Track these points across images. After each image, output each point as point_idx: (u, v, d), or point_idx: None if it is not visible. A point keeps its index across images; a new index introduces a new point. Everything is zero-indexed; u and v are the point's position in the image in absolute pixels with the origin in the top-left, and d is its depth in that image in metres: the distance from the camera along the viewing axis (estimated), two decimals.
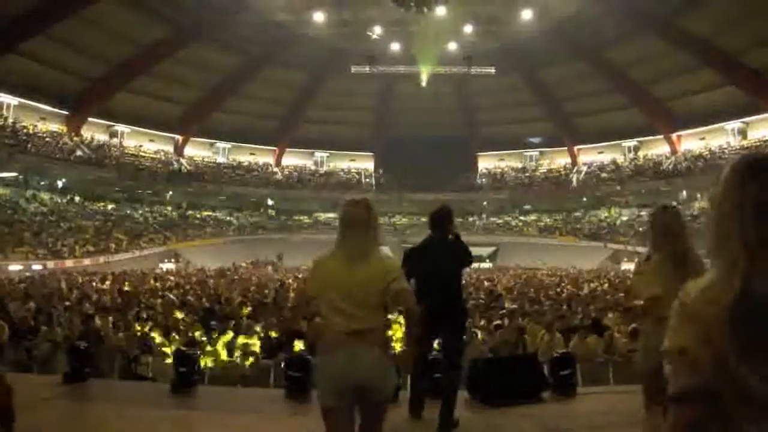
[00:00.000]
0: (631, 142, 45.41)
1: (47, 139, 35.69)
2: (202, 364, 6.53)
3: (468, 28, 37.79)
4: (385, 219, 44.50)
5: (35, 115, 36.10)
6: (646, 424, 2.83)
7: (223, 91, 42.39)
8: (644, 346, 2.95)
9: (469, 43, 39.05)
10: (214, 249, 38.49)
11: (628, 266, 29.47)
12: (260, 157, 49.24)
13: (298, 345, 6.73)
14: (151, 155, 43.12)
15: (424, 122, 46.10)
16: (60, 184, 38.10)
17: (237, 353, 6.99)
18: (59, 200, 37.61)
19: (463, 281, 5.38)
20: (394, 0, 31.78)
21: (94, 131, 39.96)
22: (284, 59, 41.10)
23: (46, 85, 34.86)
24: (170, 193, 43.55)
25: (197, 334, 7.68)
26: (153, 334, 7.52)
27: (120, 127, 41.77)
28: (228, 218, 46.29)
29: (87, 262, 30.37)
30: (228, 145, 48.24)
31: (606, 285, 17.00)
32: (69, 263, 29.15)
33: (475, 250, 4.84)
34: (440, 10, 34.26)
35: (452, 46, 39.61)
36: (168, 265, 33.41)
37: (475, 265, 28.16)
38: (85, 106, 37.75)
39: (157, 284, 17.36)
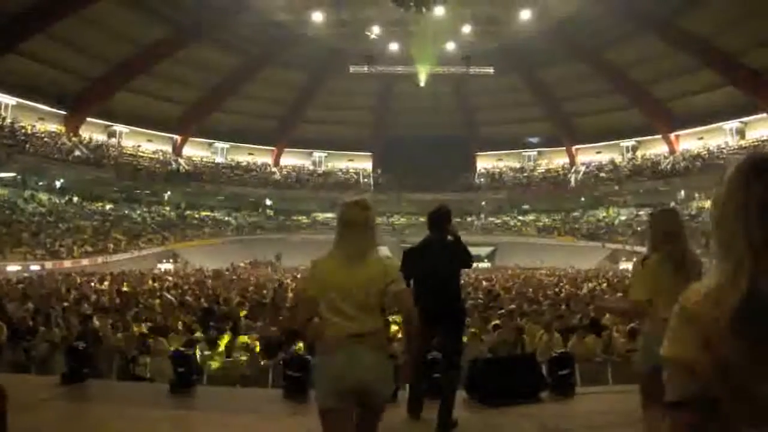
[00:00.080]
0: (629, 142, 45.48)
1: (45, 139, 35.65)
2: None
3: (467, 28, 37.77)
4: (383, 219, 44.53)
5: (33, 115, 36.06)
6: (644, 424, 2.83)
7: (222, 91, 42.37)
8: (644, 347, 2.97)
9: (467, 43, 39.04)
10: (212, 249, 38.49)
11: (627, 266, 29.53)
12: (258, 157, 49.24)
13: (300, 346, 6.73)
14: (149, 155, 43.10)
15: (423, 122, 46.12)
16: (58, 184, 38.08)
17: (235, 353, 6.99)
18: (57, 200, 37.56)
19: (462, 281, 5.39)
20: (393, 0, 31.78)
21: (92, 131, 39.94)
22: (283, 59, 41.10)
23: (44, 85, 34.80)
24: (168, 193, 43.54)
25: (196, 334, 7.67)
26: (151, 335, 7.50)
27: (118, 127, 41.75)
28: (226, 218, 46.27)
29: (85, 262, 30.32)
30: (226, 145, 48.23)
31: (604, 285, 16.99)
32: (67, 263, 29.09)
33: (473, 250, 4.83)
34: (439, 10, 34.25)
35: (451, 46, 39.62)
36: (166, 266, 33.43)
37: (473, 264, 28.16)
38: (83, 106, 37.72)
39: (156, 284, 17.32)
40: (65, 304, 10.56)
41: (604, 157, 46.47)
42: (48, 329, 7.62)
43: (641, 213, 40.06)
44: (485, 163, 51.38)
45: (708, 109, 37.77)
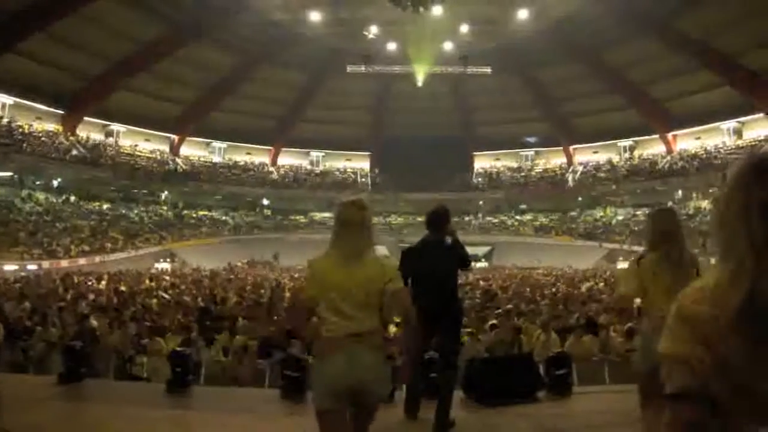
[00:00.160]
0: (626, 142, 45.57)
1: (43, 138, 35.58)
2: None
3: (464, 28, 37.81)
4: (381, 219, 44.54)
5: (31, 114, 35.97)
6: (642, 424, 2.84)
7: (220, 90, 42.32)
8: (642, 347, 2.97)
9: (465, 43, 39.08)
10: (209, 249, 38.46)
11: (624, 265, 29.51)
12: (256, 156, 49.21)
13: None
14: (146, 155, 43.04)
15: (421, 122, 46.15)
16: (55, 183, 37.98)
17: (233, 353, 6.98)
18: (55, 200, 37.45)
19: (459, 281, 5.41)
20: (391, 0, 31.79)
21: (89, 130, 39.86)
22: (281, 59, 41.09)
23: (41, 85, 34.70)
24: (166, 192, 43.49)
25: (193, 334, 7.66)
26: (148, 334, 7.49)
27: (115, 127, 41.67)
28: (224, 218, 46.21)
29: (82, 261, 30.26)
30: (224, 144, 48.19)
31: (602, 284, 17.02)
32: (64, 263, 29.00)
33: (471, 250, 4.85)
34: (436, 10, 34.27)
35: (448, 45, 39.67)
36: (164, 265, 33.35)
37: (471, 264, 28.20)
38: (80, 105, 37.63)
39: (153, 284, 17.29)
40: (62, 303, 10.52)
41: (602, 157, 46.57)
42: (45, 329, 7.61)
43: (638, 213, 40.14)
44: (483, 162, 51.44)
45: (705, 109, 37.85)
